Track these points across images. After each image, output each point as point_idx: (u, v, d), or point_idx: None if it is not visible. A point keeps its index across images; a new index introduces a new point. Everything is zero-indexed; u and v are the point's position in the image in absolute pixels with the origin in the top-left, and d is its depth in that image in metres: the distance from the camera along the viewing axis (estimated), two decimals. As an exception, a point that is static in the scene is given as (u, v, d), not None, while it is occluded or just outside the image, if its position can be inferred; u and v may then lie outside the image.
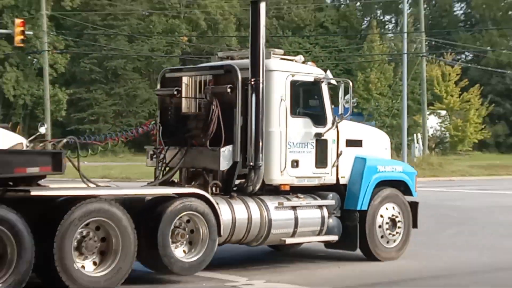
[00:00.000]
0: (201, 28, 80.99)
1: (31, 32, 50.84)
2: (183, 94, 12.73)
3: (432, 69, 67.22)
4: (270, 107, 12.30)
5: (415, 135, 57.51)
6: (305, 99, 13.59)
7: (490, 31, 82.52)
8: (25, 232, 9.47)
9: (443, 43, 76.79)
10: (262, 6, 12.52)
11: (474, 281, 11.98)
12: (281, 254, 13.90)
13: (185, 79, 12.82)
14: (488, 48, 79.68)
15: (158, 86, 13.78)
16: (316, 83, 13.06)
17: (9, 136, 17.53)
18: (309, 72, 13.14)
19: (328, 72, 13.70)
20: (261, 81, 11.96)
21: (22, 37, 36.92)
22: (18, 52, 68.13)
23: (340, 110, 13.46)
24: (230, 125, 12.09)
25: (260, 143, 11.97)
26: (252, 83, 11.95)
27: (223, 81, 12.39)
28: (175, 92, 12.72)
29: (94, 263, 10.31)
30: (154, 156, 12.55)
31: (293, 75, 12.67)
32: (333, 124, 12.96)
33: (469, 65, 78.55)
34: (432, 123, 69.94)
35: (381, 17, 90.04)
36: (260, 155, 11.95)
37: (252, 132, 11.99)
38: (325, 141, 12.93)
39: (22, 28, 37.02)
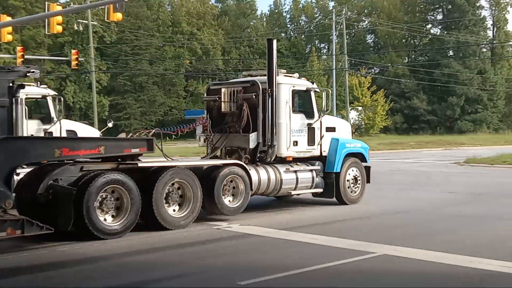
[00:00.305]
0: (198, 54, 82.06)
1: (83, 59, 51.67)
2: (222, 99, 13.83)
3: (352, 79, 68.86)
4: (279, 107, 13.49)
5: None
6: (300, 101, 14.45)
7: (391, 53, 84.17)
8: (135, 189, 10.62)
9: (359, 61, 78.62)
10: (275, 42, 14.27)
11: (381, 221, 12.60)
12: (254, 207, 13.76)
13: (223, 90, 13.97)
14: (389, 64, 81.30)
15: (205, 95, 15.11)
16: (307, 91, 14.32)
17: (89, 129, 18.98)
18: (302, 84, 14.38)
19: (314, 84, 15.16)
20: (274, 90, 13.22)
21: (76, 62, 38.13)
22: (75, 73, 69.11)
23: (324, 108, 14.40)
24: (255, 119, 13.39)
25: (274, 130, 13.30)
26: (269, 91, 13.19)
27: (249, 91, 13.62)
28: (217, 98, 13.97)
29: (175, 209, 11.44)
30: (205, 140, 13.83)
31: (293, 86, 13.92)
32: (318, 117, 14.26)
33: (377, 76, 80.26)
34: (353, 115, 71.55)
35: (319, 45, 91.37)
36: (274, 138, 13.30)
37: (269, 123, 13.30)
38: (313, 128, 14.17)
39: (76, 56, 38.16)
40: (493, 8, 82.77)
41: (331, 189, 14.34)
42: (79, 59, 57.66)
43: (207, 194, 11.96)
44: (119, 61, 76.03)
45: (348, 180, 14.67)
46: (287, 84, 13.96)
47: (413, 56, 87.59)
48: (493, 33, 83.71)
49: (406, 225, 11.59)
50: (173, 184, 11.48)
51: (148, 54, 76.94)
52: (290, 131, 13.83)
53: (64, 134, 16.08)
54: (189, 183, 11.65)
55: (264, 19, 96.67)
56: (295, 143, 13.96)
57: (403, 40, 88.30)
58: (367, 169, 15.35)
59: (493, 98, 78.99)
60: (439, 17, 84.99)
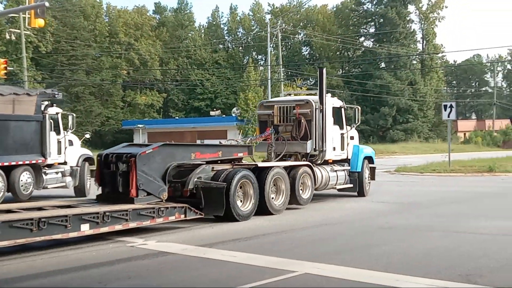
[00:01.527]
0: (135, 65, 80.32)
1: (12, 68, 49.24)
2: (275, 114, 16.67)
3: (288, 90, 68.62)
4: (327, 121, 16.09)
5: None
6: (336, 117, 16.89)
7: (325, 64, 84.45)
8: (255, 182, 13.28)
9: (295, 73, 78.56)
10: (324, 70, 16.86)
11: (307, 234, 11.66)
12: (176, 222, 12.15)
13: (276, 106, 16.82)
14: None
15: (258, 110, 17.98)
16: (340, 108, 17.23)
17: (77, 139, 20.19)
18: (338, 102, 17.28)
19: (343, 103, 17.70)
20: (324, 107, 15.85)
21: (5, 71, 36.15)
22: (8, 83, 66.40)
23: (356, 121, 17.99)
24: (310, 130, 15.99)
25: (324, 139, 15.99)
26: (321, 108, 15.81)
27: (304, 107, 16.20)
28: (271, 113, 16.70)
29: (273, 197, 14.05)
30: (269, 146, 15.97)
31: (333, 104, 16.83)
32: (347, 130, 17.36)
33: (312, 87, 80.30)
34: (290, 125, 71.36)
35: (256, 56, 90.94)
36: (324, 144, 16.02)
37: (320, 133, 15.92)
38: (344, 137, 17.21)
39: (5, 65, 36.19)
40: (423, 22, 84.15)
41: (355, 185, 17.35)
42: (9, 68, 55.43)
43: (290, 188, 14.48)
44: (55, 71, 73.59)
45: (365, 178, 17.84)
46: (330, 102, 16.77)
47: (347, 67, 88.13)
48: (422, 46, 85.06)
49: (333, 238, 10.72)
50: (274, 179, 14.02)
51: (84, 64, 74.77)
52: (332, 139, 16.66)
53: (67, 144, 18.10)
54: (283, 179, 14.31)
55: (202, 30, 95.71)
56: (334, 148, 16.84)
57: (337, 52, 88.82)
58: (373, 169, 18.66)
59: (423, 108, 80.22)
60: (372, 30, 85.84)
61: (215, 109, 79.99)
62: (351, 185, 17.14)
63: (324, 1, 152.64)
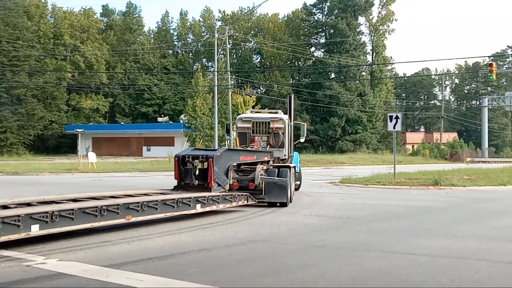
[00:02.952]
0: (81, 68, 78.05)
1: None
2: (253, 128, 20.56)
3: (237, 98, 67.74)
4: (291, 133, 21.19)
5: (226, 141, 57.71)
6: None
7: (276, 72, 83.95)
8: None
9: (245, 80, 77.73)
10: (293, 96, 22.76)
11: (231, 252, 10.56)
12: (78, 233, 11.76)
13: (253, 121, 20.63)
14: (274, 84, 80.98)
15: (237, 124, 20.97)
16: (297, 125, 23.34)
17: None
18: (294, 121, 21.80)
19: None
20: (291, 123, 21.06)
21: None
22: None
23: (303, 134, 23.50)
24: (283, 140, 20.35)
25: (290, 147, 21.13)
26: (290, 124, 20.71)
27: (278, 123, 20.56)
28: (251, 126, 20.56)
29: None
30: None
31: (291, 121, 21.08)
32: (296, 140, 22.98)
33: (262, 95, 79.67)
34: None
35: (206, 63, 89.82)
36: (291, 151, 21.34)
37: (289, 143, 20.77)
38: (294, 144, 22.39)
39: None
40: (373, 34, 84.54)
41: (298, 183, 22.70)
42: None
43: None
44: (-6, 72, 70.73)
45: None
46: (288, 120, 20.76)
47: (297, 77, 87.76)
48: (372, 57, 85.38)
49: (259, 258, 9.55)
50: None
51: (27, 66, 72.12)
52: (293, 147, 21.83)
53: None
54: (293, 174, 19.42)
55: (152, 35, 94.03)
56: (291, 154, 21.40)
57: (288, 62, 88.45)
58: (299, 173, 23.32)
59: (372, 119, 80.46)
60: (322, 40, 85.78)
61: (162, 115, 78.46)
62: (299, 182, 22.53)
63: (275, 10, 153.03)
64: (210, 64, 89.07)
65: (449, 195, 21.97)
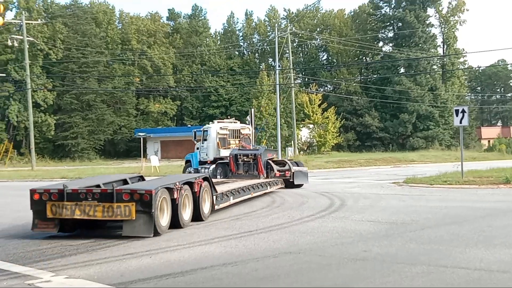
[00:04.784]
0: (148, 72, 78.87)
1: (3, 74, 47.59)
2: (229, 134, 27.70)
3: (303, 97, 66.57)
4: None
5: (292, 141, 56.77)
6: None
7: (343, 69, 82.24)
8: None
9: (312, 79, 76.33)
10: (253, 110, 33.67)
11: (264, 265, 9.42)
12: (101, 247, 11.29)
13: (229, 128, 28.07)
14: (342, 81, 79.28)
15: (219, 130, 27.42)
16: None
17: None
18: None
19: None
20: (253, 131, 27.63)
21: None
22: (20, 91, 65.47)
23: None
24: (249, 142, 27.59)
25: None
26: (252, 130, 27.83)
27: (245, 130, 28.26)
28: (227, 132, 27.44)
29: None
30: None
31: (252, 129, 29.37)
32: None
33: (329, 93, 78.17)
34: (304, 133, 69.21)
35: (272, 62, 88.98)
36: None
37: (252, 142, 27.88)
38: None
39: None
40: (443, 26, 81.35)
41: None
42: (18, 76, 53.81)
43: None
44: (65, 79, 72.39)
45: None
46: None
47: (365, 73, 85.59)
48: (443, 50, 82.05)
49: (284, 275, 8.32)
50: None
51: (96, 72, 73.46)
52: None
53: None
54: None
55: (218, 37, 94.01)
56: None
57: (355, 58, 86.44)
58: None
59: (445, 114, 77.22)
60: (390, 34, 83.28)
61: (229, 117, 78.08)
62: None
63: (341, 5, 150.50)
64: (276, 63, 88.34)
65: (522, 195, 20.09)
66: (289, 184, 23.95)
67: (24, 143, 70.95)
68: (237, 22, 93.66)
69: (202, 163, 28.52)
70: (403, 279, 7.82)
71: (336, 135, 68.06)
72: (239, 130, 28.01)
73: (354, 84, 79.18)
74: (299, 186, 24.31)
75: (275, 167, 23.28)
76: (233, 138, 27.42)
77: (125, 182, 13.94)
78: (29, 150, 50.38)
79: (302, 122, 66.04)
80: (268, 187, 20.92)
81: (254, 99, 67.77)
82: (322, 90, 79.41)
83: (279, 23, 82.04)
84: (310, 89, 68.30)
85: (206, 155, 27.97)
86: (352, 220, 13.99)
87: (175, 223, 12.66)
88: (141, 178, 15.18)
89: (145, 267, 9.09)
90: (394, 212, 15.56)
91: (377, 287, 7.43)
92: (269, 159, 24.05)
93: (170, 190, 12.39)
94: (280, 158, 28.86)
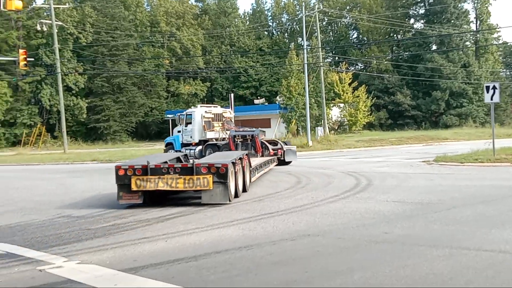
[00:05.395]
0: (178, 54, 78.82)
1: (32, 59, 47.53)
2: (214, 118, 29.89)
3: (332, 76, 65.81)
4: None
5: (322, 121, 56.19)
6: None
7: (373, 47, 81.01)
8: None
9: (341, 58, 75.34)
10: (232, 95, 35.09)
11: (278, 249, 9.17)
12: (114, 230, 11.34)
13: (213, 111, 30.12)
14: (372, 59, 78.18)
15: (205, 114, 29.54)
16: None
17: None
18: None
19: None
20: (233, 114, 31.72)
21: (24, 62, 34.16)
22: (51, 75, 65.98)
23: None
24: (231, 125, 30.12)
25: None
26: (232, 114, 31.35)
27: (227, 114, 30.85)
28: (212, 115, 29.55)
29: None
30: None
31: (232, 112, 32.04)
32: None
33: (360, 72, 77.16)
34: (335, 112, 68.50)
35: (301, 42, 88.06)
36: None
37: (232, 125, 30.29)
38: None
39: (24, 56, 34.18)
40: (475, 1, 79.34)
41: None
42: (48, 60, 53.87)
43: None
44: (96, 62, 72.81)
45: None
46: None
47: (396, 51, 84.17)
48: (476, 26, 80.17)
49: (299, 259, 8.01)
50: None
51: (126, 55, 73.70)
52: None
53: None
54: None
55: (247, 17, 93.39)
56: None
57: (386, 35, 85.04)
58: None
59: (478, 91, 75.48)
60: (421, 11, 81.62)
61: (259, 97, 77.75)
62: None
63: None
64: (307, 43, 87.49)
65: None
66: (281, 162, 25.85)
67: (57, 126, 71.63)
68: (266, 2, 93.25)
69: (185, 145, 30.33)
70: (422, 262, 7.48)
71: (367, 114, 67.25)
72: (221, 114, 30.33)
73: (385, 62, 78.00)
74: (288, 163, 26.48)
75: (270, 146, 25.06)
76: (216, 121, 29.69)
77: (178, 159, 16.27)
78: (61, 133, 50.76)
79: (333, 101, 65.35)
80: (271, 164, 23.17)
81: (283, 79, 67.25)
82: (352, 68, 78.49)
83: (308, 1, 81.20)
84: (340, 68, 67.45)
85: (191, 137, 29.94)
86: (377, 201, 13.62)
87: (236, 192, 14.67)
88: (186, 157, 18.10)
89: (159, 251, 8.92)
90: (420, 191, 15.14)
91: (394, 272, 7.10)
92: (261, 139, 25.90)
93: (233, 164, 14.20)
94: (271, 138, 30.07)
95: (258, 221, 11.28)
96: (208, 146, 26.67)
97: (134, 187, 13.46)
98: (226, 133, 28.77)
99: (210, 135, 29.51)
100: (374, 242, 8.96)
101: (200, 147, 28.83)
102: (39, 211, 14.07)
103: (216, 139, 29.27)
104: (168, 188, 13.46)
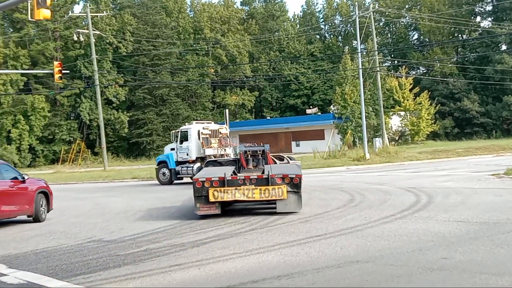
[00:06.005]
0: (223, 62, 79.31)
1: (68, 71, 48.65)
2: (211, 133, 30.93)
3: (391, 81, 65.03)
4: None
5: (381, 131, 55.47)
6: None
7: (436, 49, 79.72)
8: None
9: (401, 61, 74.43)
10: (227, 110, 37.85)
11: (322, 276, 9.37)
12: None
13: (210, 129, 31.08)
14: (435, 62, 76.93)
15: (202, 130, 30.42)
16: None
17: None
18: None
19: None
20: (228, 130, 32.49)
21: (59, 74, 34.73)
22: (90, 88, 67.22)
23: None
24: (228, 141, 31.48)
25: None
26: (228, 130, 32.25)
27: (223, 130, 31.72)
28: (209, 132, 30.88)
29: None
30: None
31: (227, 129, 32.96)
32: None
33: (421, 77, 75.97)
34: (395, 121, 67.61)
35: (356, 46, 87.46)
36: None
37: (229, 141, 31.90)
38: None
39: (59, 68, 34.79)
40: (550, -6, 77.28)
41: None
42: (87, 72, 54.71)
43: None
44: (137, 73, 73.87)
45: None
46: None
47: (462, 52, 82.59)
48: (551, 22, 78.04)
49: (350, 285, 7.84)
50: None
51: (168, 65, 74.55)
52: None
53: None
54: None
55: (297, 20, 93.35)
56: None
57: (450, 36, 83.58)
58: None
59: (558, 95, 73.37)
60: (489, 8, 79.98)
61: (311, 107, 77.43)
62: None
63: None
64: (362, 46, 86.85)
65: None
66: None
67: (97, 142, 72.91)
68: (317, 4, 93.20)
69: (180, 163, 31.03)
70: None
71: (431, 123, 66.16)
72: (218, 130, 31.59)
73: (450, 65, 76.57)
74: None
75: (277, 161, 25.81)
76: (213, 137, 30.95)
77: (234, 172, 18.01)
78: (101, 149, 51.58)
79: (392, 109, 64.50)
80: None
81: (337, 86, 66.72)
82: (413, 73, 77.31)
83: (362, 1, 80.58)
84: (400, 72, 66.57)
85: (187, 154, 30.65)
86: (437, 221, 13.14)
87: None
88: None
89: (191, 280, 8.74)
90: (487, 209, 14.56)
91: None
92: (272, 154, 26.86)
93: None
94: (277, 153, 29.08)
95: (303, 245, 10.99)
96: (209, 163, 26.44)
97: (212, 198, 14.98)
98: (224, 149, 30.42)
99: (208, 151, 30.27)
100: (430, 269, 8.54)
101: (198, 164, 29.40)
102: (69, 234, 14.14)
103: (215, 156, 29.45)
104: (245, 199, 15.18)
